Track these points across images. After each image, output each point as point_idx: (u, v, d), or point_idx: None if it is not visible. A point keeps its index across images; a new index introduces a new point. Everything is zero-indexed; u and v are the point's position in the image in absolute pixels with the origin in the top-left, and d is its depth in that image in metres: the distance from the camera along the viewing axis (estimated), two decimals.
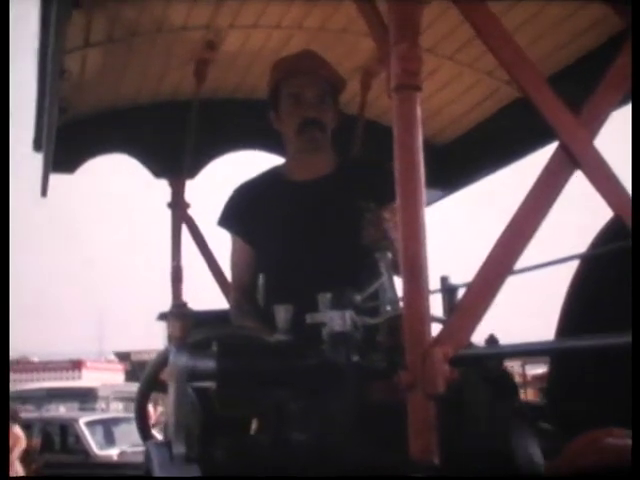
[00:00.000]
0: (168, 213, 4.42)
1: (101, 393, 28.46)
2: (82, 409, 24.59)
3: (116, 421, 15.89)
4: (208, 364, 2.11)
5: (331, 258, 3.14)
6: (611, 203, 2.17)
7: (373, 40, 2.36)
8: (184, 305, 2.39)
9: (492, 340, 2.83)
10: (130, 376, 34.88)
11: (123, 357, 40.40)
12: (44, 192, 4.18)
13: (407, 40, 2.00)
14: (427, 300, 1.93)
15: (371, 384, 2.12)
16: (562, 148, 2.11)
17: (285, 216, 3.31)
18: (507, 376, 2.75)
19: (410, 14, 2.03)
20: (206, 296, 4.08)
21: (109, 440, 14.74)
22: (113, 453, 13.96)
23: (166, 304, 3.02)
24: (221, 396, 2.12)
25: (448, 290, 3.92)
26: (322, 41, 3.86)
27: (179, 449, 2.12)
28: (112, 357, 43.11)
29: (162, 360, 2.48)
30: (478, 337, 2.80)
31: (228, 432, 2.28)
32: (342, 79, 3.46)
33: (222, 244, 3.71)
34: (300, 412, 2.17)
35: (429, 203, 4.66)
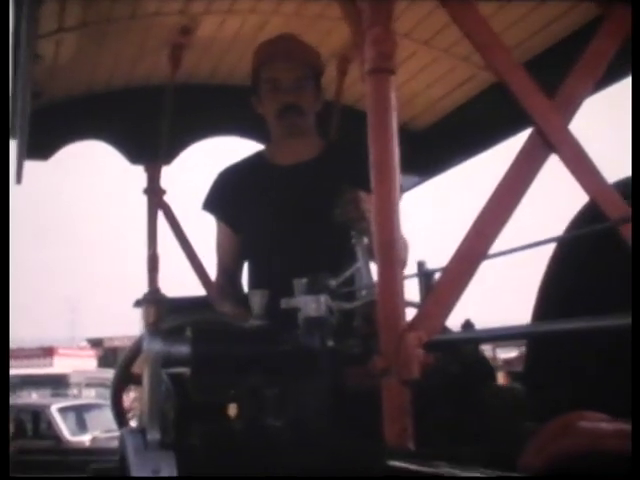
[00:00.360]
0: (144, 199, 4.39)
1: (73, 380, 28.61)
2: (54, 395, 24.63)
3: (88, 407, 16.10)
4: (182, 350, 2.10)
5: (310, 243, 3.14)
6: (586, 187, 2.18)
7: (347, 24, 2.35)
8: (158, 291, 2.38)
9: (468, 325, 2.84)
10: (103, 362, 35.04)
11: (96, 343, 40.44)
12: (19, 179, 4.15)
13: (381, 23, 1.99)
14: (401, 285, 1.93)
15: (347, 369, 2.11)
16: (537, 132, 2.11)
17: (267, 200, 3.31)
18: (484, 361, 2.76)
19: None
20: (184, 283, 4.06)
21: (81, 426, 14.92)
22: (85, 439, 14.15)
23: (141, 290, 3.01)
24: (195, 382, 2.11)
25: (425, 275, 3.91)
26: (298, 26, 3.84)
27: (154, 435, 2.11)
28: (84, 344, 43.14)
29: (137, 347, 2.47)
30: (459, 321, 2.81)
31: (204, 418, 2.27)
32: (321, 62, 3.45)
33: (199, 230, 3.70)
34: (275, 398, 2.16)
35: (406, 189, 4.70)
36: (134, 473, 2.10)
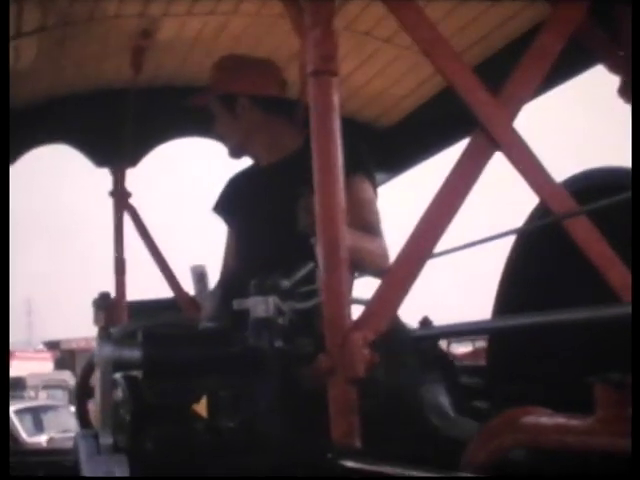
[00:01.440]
0: (105, 202, 4.40)
1: (30, 382, 29.06)
2: (12, 397, 24.98)
3: (45, 409, 16.47)
4: (133, 353, 2.10)
5: (267, 244, 3.15)
6: (532, 184, 2.20)
7: (291, 25, 2.36)
8: (108, 295, 2.38)
9: (426, 322, 2.86)
10: (59, 365, 35.19)
11: (52, 346, 40.42)
12: None
13: (321, 25, 2.00)
14: (346, 284, 1.94)
15: (297, 369, 2.12)
16: (481, 130, 2.12)
17: (244, 201, 3.38)
18: (443, 357, 2.78)
19: None
20: (151, 285, 4.08)
21: (38, 427, 15.20)
22: (42, 440, 14.48)
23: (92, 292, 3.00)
24: (148, 385, 2.12)
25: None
26: (259, 26, 3.85)
27: (106, 439, 2.12)
28: (41, 347, 43.26)
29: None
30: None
31: (158, 421, 2.28)
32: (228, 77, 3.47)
33: (165, 233, 3.71)
34: (226, 399, 2.17)
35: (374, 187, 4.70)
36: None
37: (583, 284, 2.26)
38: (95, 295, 3.00)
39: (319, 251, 1.97)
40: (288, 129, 3.47)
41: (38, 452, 13.73)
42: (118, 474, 2.08)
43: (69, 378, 28.79)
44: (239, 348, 2.12)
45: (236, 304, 2.21)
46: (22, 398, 24.40)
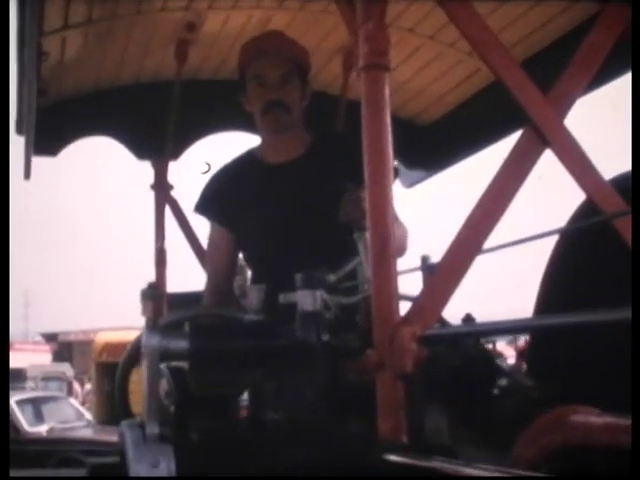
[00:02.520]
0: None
1: (30, 373, 29.58)
2: (12, 389, 25.40)
3: (45, 400, 16.69)
4: (180, 344, 2.12)
5: (308, 239, 3.15)
6: (581, 182, 2.18)
7: (342, 20, 2.36)
8: (156, 287, 2.40)
9: (468, 319, 2.85)
10: (57, 357, 35.51)
11: (50, 338, 40.73)
12: (27, 175, 4.19)
13: (373, 19, 2.00)
14: (395, 279, 1.94)
15: (344, 363, 2.12)
16: (531, 127, 2.11)
17: (263, 199, 3.32)
18: (486, 354, 2.77)
19: None
20: (189, 278, 4.08)
21: (38, 417, 15.49)
22: (42, 430, 14.75)
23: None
24: (194, 376, 2.13)
25: (428, 269, 3.92)
26: (303, 21, 3.86)
27: (152, 429, 2.13)
28: (39, 338, 43.53)
29: (140, 341, 2.49)
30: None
31: (203, 412, 2.29)
32: (308, 59, 3.45)
33: (206, 226, 3.71)
34: (273, 392, 2.18)
35: (413, 183, 4.71)
36: (132, 466, 2.12)
37: (628, 284, 2.24)
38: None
39: (370, 245, 1.97)
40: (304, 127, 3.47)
41: (38, 441, 14.21)
42: (163, 464, 2.10)
43: (67, 370, 29.21)
44: (286, 341, 2.12)
45: (282, 298, 2.22)
46: (23, 389, 24.90)
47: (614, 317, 1.98)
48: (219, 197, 3.43)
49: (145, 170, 4.49)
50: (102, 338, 10.31)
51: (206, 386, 2.15)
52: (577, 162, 2.18)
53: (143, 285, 3.22)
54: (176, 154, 4.47)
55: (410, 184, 4.73)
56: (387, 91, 2.00)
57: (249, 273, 3.61)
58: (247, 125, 4.48)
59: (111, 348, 9.30)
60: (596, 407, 1.87)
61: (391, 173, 1.98)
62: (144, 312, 2.26)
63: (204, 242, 4.25)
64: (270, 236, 3.29)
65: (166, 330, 2.18)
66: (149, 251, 4.19)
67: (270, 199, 3.30)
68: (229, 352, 2.11)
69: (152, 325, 2.21)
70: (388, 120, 1.99)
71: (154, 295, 2.30)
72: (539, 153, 2.12)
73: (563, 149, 2.15)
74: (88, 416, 15.41)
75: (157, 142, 4.31)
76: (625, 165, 2.62)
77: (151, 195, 4.44)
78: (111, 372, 8.38)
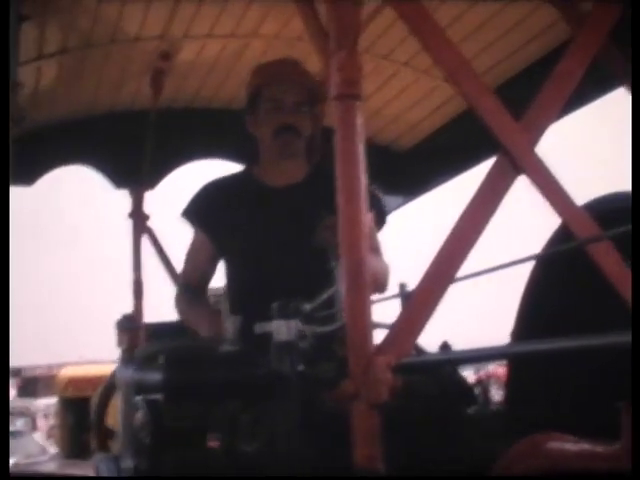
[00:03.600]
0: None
1: None
2: None
3: (11, 435, 16.58)
4: (155, 376, 2.10)
5: (289, 267, 3.14)
6: (555, 208, 2.19)
7: (316, 49, 2.36)
8: (132, 318, 2.38)
9: (445, 346, 2.84)
10: (22, 392, 35.26)
11: (15, 373, 40.46)
12: None
13: (345, 48, 2.00)
14: (369, 308, 1.93)
15: (320, 393, 2.11)
16: (504, 154, 2.12)
17: (252, 220, 3.31)
18: (462, 382, 2.76)
19: (349, 22, 2.03)
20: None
21: None
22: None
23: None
24: (168, 408, 2.11)
25: (406, 296, 3.92)
26: (278, 49, 3.87)
27: (127, 462, 2.12)
28: None
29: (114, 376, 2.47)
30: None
31: (180, 444, 2.27)
32: (321, 90, 3.45)
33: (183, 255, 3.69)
34: (248, 423, 2.16)
35: (391, 210, 4.71)
36: None
37: (605, 310, 2.25)
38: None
39: (343, 274, 1.96)
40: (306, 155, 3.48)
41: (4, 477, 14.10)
42: None
43: (31, 405, 29.02)
44: (261, 372, 2.11)
45: (258, 327, 2.21)
46: None
47: (593, 343, 1.98)
48: (209, 207, 3.42)
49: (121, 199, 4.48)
50: (66, 373, 10.21)
51: (181, 418, 2.13)
52: (550, 188, 2.18)
53: (113, 317, 3.20)
54: (153, 183, 4.46)
55: (388, 210, 4.73)
56: (360, 120, 2.00)
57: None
58: (223, 152, 4.50)
59: (75, 383, 9.20)
60: (575, 432, 1.86)
61: (364, 201, 1.97)
62: (119, 344, 2.24)
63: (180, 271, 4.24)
64: (253, 260, 3.27)
65: (141, 362, 2.16)
66: (120, 283, 4.17)
67: (258, 222, 3.30)
68: (204, 384, 2.10)
69: (127, 358, 2.19)
70: (361, 149, 1.98)
71: (129, 326, 2.28)
72: (512, 180, 2.13)
73: (536, 175, 2.15)
74: (52, 450, 15.17)
75: (134, 171, 4.30)
76: (598, 190, 2.64)
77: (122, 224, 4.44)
78: (75, 406, 8.31)
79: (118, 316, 2.54)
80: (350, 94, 1.99)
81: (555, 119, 2.31)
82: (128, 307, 3.75)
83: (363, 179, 1.99)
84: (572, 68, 2.29)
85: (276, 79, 3.35)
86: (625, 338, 1.93)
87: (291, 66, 3.41)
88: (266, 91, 3.34)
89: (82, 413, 8.04)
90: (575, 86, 2.27)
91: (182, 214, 3.46)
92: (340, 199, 1.99)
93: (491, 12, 3.40)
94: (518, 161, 2.11)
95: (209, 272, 3.43)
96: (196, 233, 3.43)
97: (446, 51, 2.19)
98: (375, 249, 3.25)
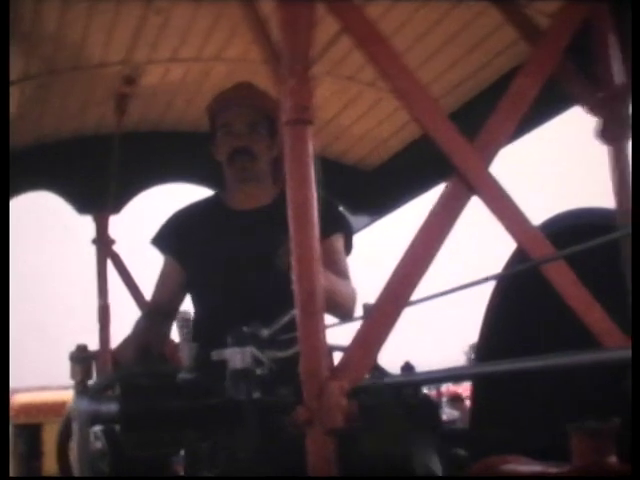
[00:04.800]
0: None
1: None
2: None
3: None
4: (111, 407, 2.09)
5: (249, 291, 3.14)
6: (509, 228, 2.19)
7: (271, 74, 2.36)
8: (85, 348, 2.37)
9: (408, 367, 2.84)
10: None
11: None
12: None
13: (297, 75, 2.00)
14: (323, 333, 1.92)
15: (277, 419, 2.10)
16: (457, 175, 2.13)
17: (217, 244, 3.31)
18: (426, 403, 2.75)
19: (300, 48, 2.03)
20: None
21: None
22: None
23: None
24: (125, 438, 2.09)
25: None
26: (242, 72, 3.86)
27: None
28: None
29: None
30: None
31: (137, 473, 2.26)
32: (276, 108, 3.45)
33: (149, 280, 3.68)
34: (206, 450, 2.15)
35: (358, 229, 4.71)
36: None
37: (564, 329, 2.25)
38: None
39: (296, 300, 1.96)
40: (271, 177, 3.48)
41: None
42: None
43: None
44: (217, 400, 2.10)
45: (214, 354, 2.20)
46: None
47: (552, 363, 1.98)
48: (177, 233, 3.42)
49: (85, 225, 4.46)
50: (19, 399, 10.13)
51: (138, 447, 2.11)
52: (505, 208, 2.19)
53: (67, 342, 3.16)
54: (118, 208, 4.44)
55: (355, 230, 4.74)
56: (311, 146, 2.00)
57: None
58: (189, 176, 4.50)
59: (28, 409, 9.10)
60: (535, 453, 1.86)
61: (316, 226, 1.97)
62: (73, 376, 2.22)
63: (148, 297, 4.22)
64: (214, 284, 3.27)
65: (95, 393, 2.15)
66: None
67: (221, 245, 3.29)
68: (160, 412, 2.08)
69: (81, 389, 2.18)
70: (311, 174, 1.98)
71: (83, 358, 2.26)
72: (465, 201, 2.13)
73: (490, 196, 2.16)
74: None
75: (98, 196, 4.28)
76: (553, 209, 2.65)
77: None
78: (27, 433, 8.24)
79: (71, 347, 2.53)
80: (301, 119, 1.99)
81: (510, 139, 2.32)
82: (84, 332, 3.73)
83: (314, 204, 1.98)
84: (527, 87, 2.30)
85: (227, 104, 3.37)
86: (585, 357, 1.94)
87: (244, 90, 3.42)
88: (219, 118, 3.36)
89: (33, 440, 7.99)
90: (529, 105, 2.28)
91: (151, 241, 3.47)
92: (291, 224, 1.98)
93: (449, 35, 3.42)
94: (471, 181, 2.12)
95: (177, 298, 3.42)
96: (165, 259, 3.44)
97: (402, 77, 2.20)
98: (343, 273, 3.25)
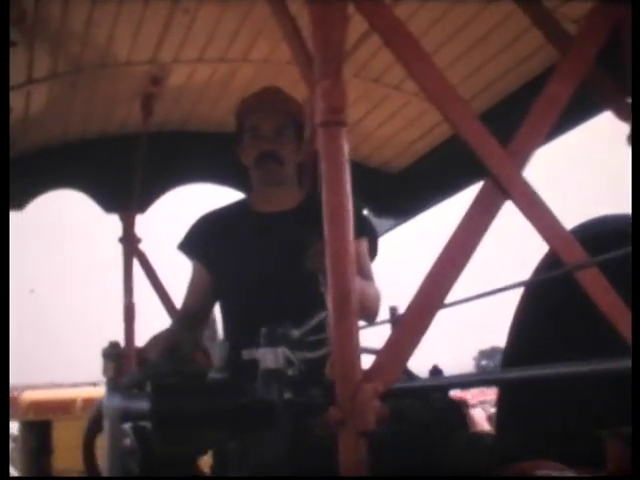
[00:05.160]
0: None
1: None
2: None
3: None
4: (142, 405, 2.09)
5: (279, 293, 3.14)
6: (542, 233, 2.18)
7: (302, 75, 2.36)
8: (117, 345, 2.37)
9: (436, 371, 2.83)
10: None
11: None
12: None
13: (330, 75, 2.00)
14: (356, 335, 1.92)
15: (307, 420, 2.10)
16: (491, 179, 2.12)
17: (245, 247, 3.32)
18: (454, 407, 2.75)
19: (334, 49, 2.03)
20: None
21: None
22: None
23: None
24: (156, 436, 2.10)
25: (397, 320, 3.90)
26: (268, 73, 3.88)
27: None
28: None
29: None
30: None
31: (168, 472, 2.26)
32: (304, 113, 3.45)
33: (175, 279, 3.69)
34: (236, 451, 2.15)
35: (384, 232, 4.71)
36: None
37: (594, 336, 2.24)
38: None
39: (329, 301, 1.95)
40: (297, 182, 3.49)
41: None
42: None
43: None
44: (248, 400, 2.10)
45: (245, 354, 2.20)
46: None
47: (583, 369, 1.98)
48: (204, 238, 3.43)
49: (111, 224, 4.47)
50: (27, 397, 10.17)
51: (169, 445, 2.11)
52: (538, 213, 2.18)
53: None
54: (143, 207, 4.46)
55: (380, 233, 4.73)
56: (346, 147, 2.00)
57: (219, 328, 3.58)
58: (214, 177, 4.51)
59: (37, 406, 9.16)
60: (563, 459, 1.86)
61: (351, 227, 1.97)
62: (105, 372, 2.23)
63: (173, 296, 4.23)
64: (244, 286, 3.28)
65: (127, 391, 2.16)
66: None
67: (249, 248, 3.30)
68: (191, 411, 2.09)
69: (113, 386, 2.18)
70: (347, 176, 1.98)
71: (116, 354, 2.27)
72: (499, 205, 2.12)
73: (523, 201, 2.15)
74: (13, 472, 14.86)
75: (124, 195, 4.30)
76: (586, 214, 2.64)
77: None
78: (37, 429, 8.34)
79: (104, 344, 2.53)
80: (335, 121, 1.99)
81: (542, 143, 2.31)
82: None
83: (349, 206, 1.98)
84: (559, 92, 2.29)
85: (254, 108, 3.37)
86: (619, 364, 1.93)
87: (271, 94, 3.42)
88: (247, 121, 3.36)
89: (43, 436, 8.09)
90: (562, 110, 2.27)
91: (178, 247, 3.48)
92: (326, 226, 1.98)
93: (477, 37, 3.42)
94: (505, 186, 2.11)
95: (207, 303, 3.43)
96: (193, 265, 3.45)
97: (431, 77, 2.19)
98: (367, 276, 3.26)
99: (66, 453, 6.85)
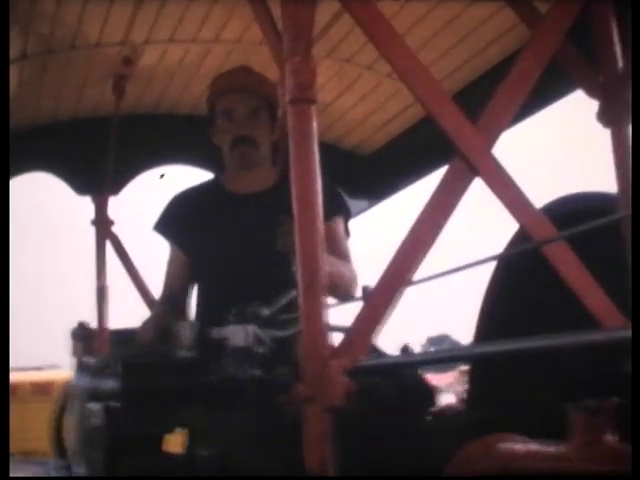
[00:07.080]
0: None
1: None
2: None
3: None
4: (111, 384, 2.09)
5: (251, 272, 3.14)
6: (511, 209, 2.19)
7: (272, 54, 2.36)
8: (86, 326, 2.37)
9: (406, 349, 2.84)
10: None
11: None
12: None
13: (299, 53, 2.00)
14: (324, 313, 1.93)
15: (276, 397, 2.10)
16: (460, 157, 2.12)
17: (219, 227, 3.31)
18: (422, 384, 2.76)
19: (302, 26, 2.03)
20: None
21: None
22: None
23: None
24: (125, 415, 2.10)
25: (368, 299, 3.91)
26: (240, 53, 3.86)
27: (79, 470, 2.10)
28: None
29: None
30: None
31: (136, 451, 2.25)
32: (277, 94, 3.44)
33: (148, 261, 3.68)
34: (204, 428, 2.15)
35: (356, 213, 4.71)
36: None
37: (564, 310, 2.26)
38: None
39: (299, 278, 1.96)
40: (271, 161, 3.48)
41: None
42: None
43: None
44: (217, 378, 2.10)
45: (215, 332, 2.20)
46: None
47: (552, 343, 1.99)
48: (179, 219, 3.43)
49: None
50: None
51: (137, 424, 2.11)
52: (507, 190, 2.18)
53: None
54: (116, 189, 4.44)
55: (353, 214, 4.73)
56: (315, 125, 2.00)
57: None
58: (187, 158, 4.49)
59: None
60: (532, 433, 1.86)
61: (319, 205, 1.97)
62: (74, 353, 2.23)
63: (146, 278, 4.22)
64: (217, 266, 3.28)
65: (96, 371, 2.15)
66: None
67: (223, 228, 3.30)
68: (160, 390, 2.09)
69: (82, 366, 2.18)
70: (315, 153, 1.98)
71: (84, 335, 2.27)
72: (468, 182, 2.13)
73: (492, 178, 2.15)
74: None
75: (97, 177, 4.28)
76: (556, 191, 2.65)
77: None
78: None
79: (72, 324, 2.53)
80: (304, 98, 1.99)
81: (512, 121, 2.31)
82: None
83: (318, 183, 1.98)
84: (528, 70, 2.29)
85: (227, 89, 3.36)
86: (581, 338, 1.95)
87: (243, 74, 3.41)
88: (219, 103, 3.35)
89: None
90: (531, 88, 2.27)
91: (154, 228, 3.48)
92: (295, 204, 1.98)
93: (449, 17, 3.42)
94: (474, 163, 2.12)
95: (187, 282, 3.43)
96: (170, 245, 3.44)
97: (403, 57, 2.19)
98: (344, 255, 3.27)
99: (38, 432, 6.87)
